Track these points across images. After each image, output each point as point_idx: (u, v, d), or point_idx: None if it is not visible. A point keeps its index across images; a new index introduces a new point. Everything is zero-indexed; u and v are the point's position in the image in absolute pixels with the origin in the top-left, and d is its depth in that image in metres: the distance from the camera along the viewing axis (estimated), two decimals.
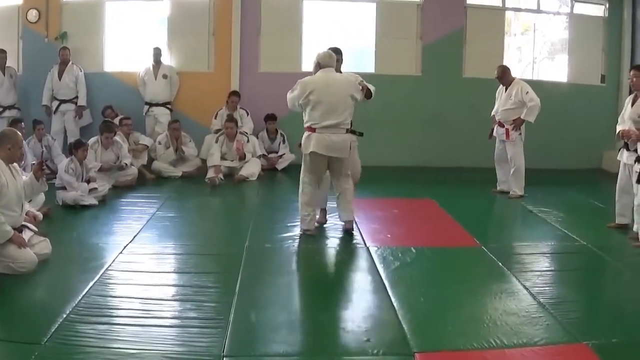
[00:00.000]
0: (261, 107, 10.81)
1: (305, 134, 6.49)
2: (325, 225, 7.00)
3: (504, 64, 9.82)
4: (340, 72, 6.71)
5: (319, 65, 6.50)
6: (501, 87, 8.99)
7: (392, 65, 11.45)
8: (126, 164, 9.17)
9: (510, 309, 4.63)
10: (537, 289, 5.04)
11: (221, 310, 4.50)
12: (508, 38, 12.20)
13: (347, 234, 6.72)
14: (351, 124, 6.53)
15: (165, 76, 10.93)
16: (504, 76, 8.89)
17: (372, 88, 6.68)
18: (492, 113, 9.09)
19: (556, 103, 10.75)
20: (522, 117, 8.63)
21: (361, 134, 6.69)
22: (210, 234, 7.02)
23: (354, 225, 6.84)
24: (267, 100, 10.66)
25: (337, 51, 6.68)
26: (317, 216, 6.93)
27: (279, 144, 10.99)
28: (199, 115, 11.09)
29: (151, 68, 10.92)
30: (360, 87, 6.51)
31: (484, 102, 9.56)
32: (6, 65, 10.36)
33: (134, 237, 6.44)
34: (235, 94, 10.88)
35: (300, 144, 6.58)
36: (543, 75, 12.34)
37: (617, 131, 6.90)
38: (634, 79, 6.70)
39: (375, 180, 8.96)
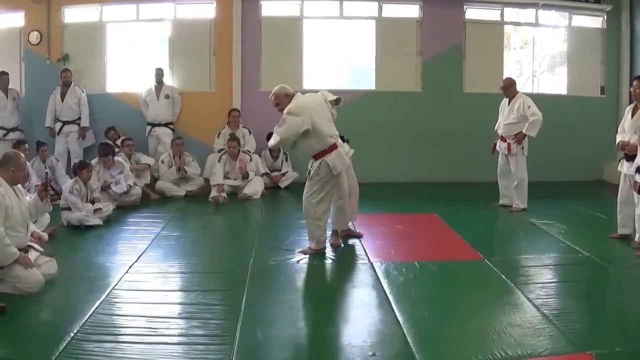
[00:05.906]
0: (263, 125, 10.75)
1: (331, 156, 6.31)
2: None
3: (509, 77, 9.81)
4: None
5: (288, 96, 6.47)
6: (504, 102, 9.01)
7: (392, 82, 11.52)
8: (130, 185, 9.19)
9: (514, 320, 4.64)
10: (540, 300, 5.06)
11: (227, 327, 4.52)
12: (507, 52, 12.32)
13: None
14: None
15: (167, 96, 11.00)
16: (510, 87, 8.90)
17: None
18: (495, 128, 9.13)
19: (557, 116, 10.76)
20: (523, 131, 8.66)
21: (347, 141, 7.22)
22: (215, 253, 7.04)
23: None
24: (269, 119, 10.53)
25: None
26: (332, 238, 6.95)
27: (282, 162, 11.02)
28: (201, 135, 11.15)
29: (153, 89, 10.99)
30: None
31: (485, 117, 9.61)
32: (9, 87, 10.46)
33: (140, 256, 6.47)
34: (235, 110, 11.00)
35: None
36: (543, 89, 12.42)
37: (617, 141, 6.95)
38: (637, 90, 6.74)
39: (378, 197, 8.98)
